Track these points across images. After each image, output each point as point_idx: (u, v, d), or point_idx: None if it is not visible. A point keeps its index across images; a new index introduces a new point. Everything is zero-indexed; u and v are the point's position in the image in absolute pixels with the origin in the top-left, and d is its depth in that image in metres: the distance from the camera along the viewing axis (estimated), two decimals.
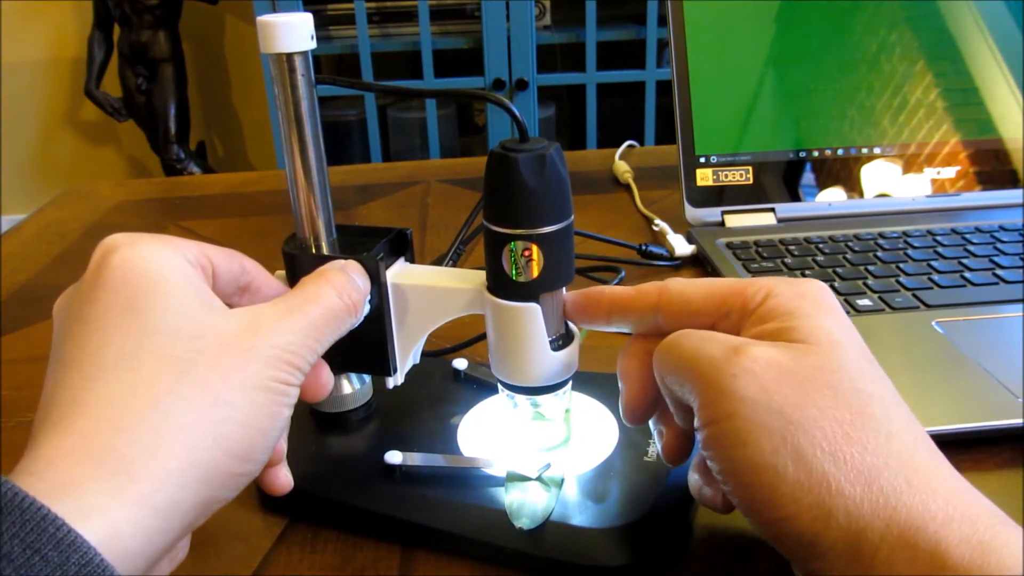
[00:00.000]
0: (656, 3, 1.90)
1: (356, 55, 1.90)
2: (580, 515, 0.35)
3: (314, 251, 0.37)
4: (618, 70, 1.99)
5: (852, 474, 0.25)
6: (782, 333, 0.28)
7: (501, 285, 0.34)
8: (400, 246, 0.38)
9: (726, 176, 0.68)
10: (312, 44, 0.33)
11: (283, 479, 0.33)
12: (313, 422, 0.43)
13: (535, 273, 0.33)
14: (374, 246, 0.36)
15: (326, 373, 0.33)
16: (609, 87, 2.00)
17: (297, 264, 0.36)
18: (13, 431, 0.48)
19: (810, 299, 0.29)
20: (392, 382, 0.39)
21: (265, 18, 0.32)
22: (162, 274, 0.28)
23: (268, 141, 2.49)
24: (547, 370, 0.35)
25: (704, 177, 0.68)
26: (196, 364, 0.26)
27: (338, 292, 0.32)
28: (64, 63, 2.53)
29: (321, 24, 2.06)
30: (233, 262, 0.32)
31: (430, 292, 0.36)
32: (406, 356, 0.39)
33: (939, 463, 0.26)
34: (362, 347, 0.37)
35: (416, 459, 0.38)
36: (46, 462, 0.24)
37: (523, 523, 0.34)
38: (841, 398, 0.26)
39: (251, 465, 0.28)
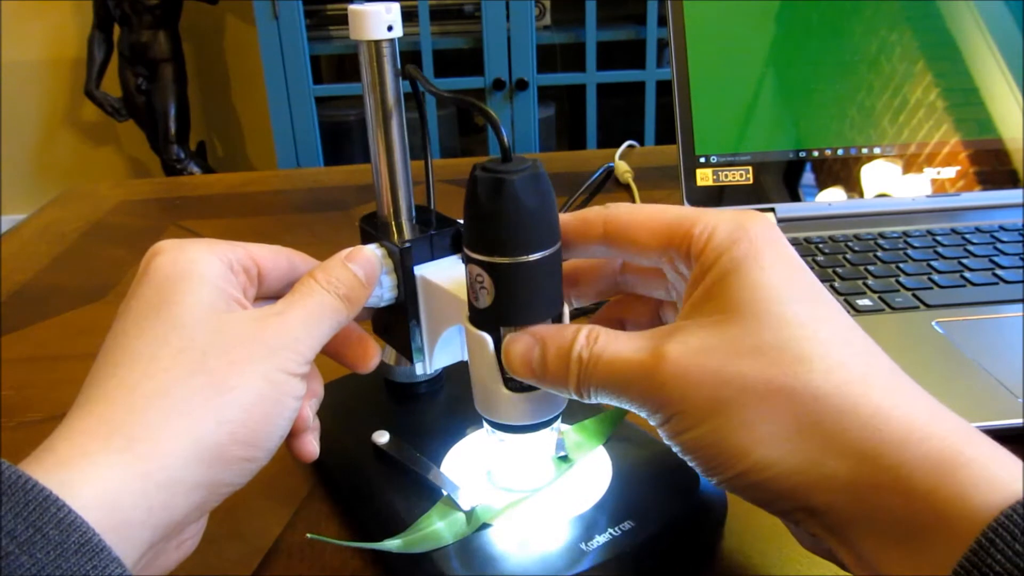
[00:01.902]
0: (656, 3, 1.90)
1: (356, 55, 1.89)
2: (460, 564, 0.33)
3: (394, 230, 0.38)
4: (618, 70, 1.99)
5: (794, 426, 0.26)
6: (711, 300, 0.28)
7: (469, 306, 0.32)
8: (458, 242, 0.38)
9: (726, 176, 0.68)
10: (398, 33, 0.36)
11: (308, 447, 0.34)
12: (386, 390, 0.45)
13: (486, 302, 0.31)
14: (424, 235, 0.37)
15: (372, 348, 0.36)
16: (609, 87, 2.00)
17: (372, 242, 0.37)
18: (13, 431, 0.48)
19: (746, 240, 0.28)
20: (420, 368, 0.39)
21: (355, 7, 0.35)
22: (194, 275, 0.30)
23: (268, 141, 2.48)
24: (499, 408, 0.33)
25: (704, 177, 0.68)
26: (209, 356, 0.28)
27: (323, 285, 0.33)
28: (64, 63, 2.53)
29: (321, 24, 2.06)
30: (280, 259, 0.34)
31: (443, 294, 0.36)
32: (432, 346, 0.38)
33: (897, 382, 0.27)
34: (394, 329, 0.39)
35: (397, 448, 0.39)
36: (65, 438, 0.26)
37: (395, 543, 0.34)
38: (765, 357, 0.26)
39: (256, 451, 0.29)
